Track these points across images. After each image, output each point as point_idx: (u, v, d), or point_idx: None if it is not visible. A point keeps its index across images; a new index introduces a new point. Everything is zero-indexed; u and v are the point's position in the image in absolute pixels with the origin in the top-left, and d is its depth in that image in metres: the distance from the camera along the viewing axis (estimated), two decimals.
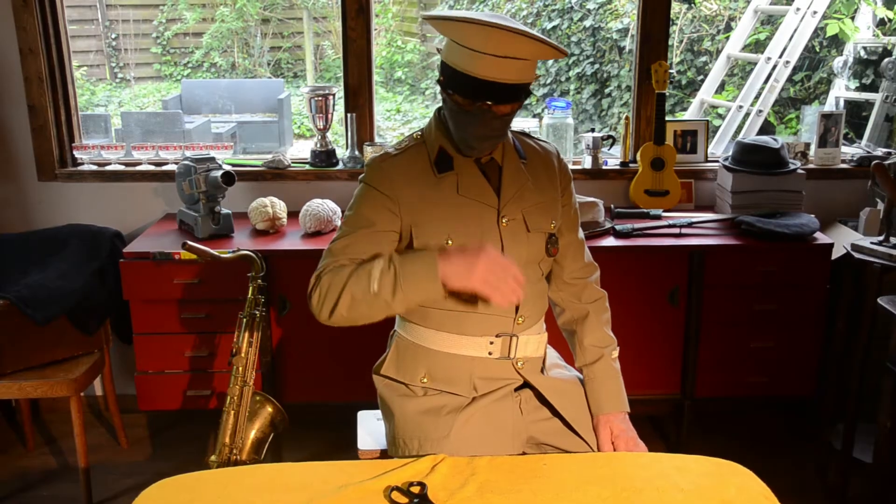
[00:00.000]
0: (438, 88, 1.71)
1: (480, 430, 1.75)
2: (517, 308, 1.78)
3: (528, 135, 1.89)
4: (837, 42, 5.31)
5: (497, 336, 1.78)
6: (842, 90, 4.83)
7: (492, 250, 1.61)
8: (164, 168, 3.12)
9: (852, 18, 4.75)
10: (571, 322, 1.93)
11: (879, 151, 3.27)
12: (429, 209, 1.73)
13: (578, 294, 1.91)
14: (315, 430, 3.08)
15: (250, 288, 2.25)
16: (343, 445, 2.94)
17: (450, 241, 1.71)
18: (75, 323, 2.69)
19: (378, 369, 1.90)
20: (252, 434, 2.31)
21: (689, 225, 2.85)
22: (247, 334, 2.23)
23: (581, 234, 1.94)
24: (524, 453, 1.80)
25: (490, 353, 1.78)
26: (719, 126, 4.41)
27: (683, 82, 6.28)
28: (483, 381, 1.79)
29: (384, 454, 1.96)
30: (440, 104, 1.77)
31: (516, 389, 1.82)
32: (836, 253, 2.76)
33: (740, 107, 4.30)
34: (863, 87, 4.80)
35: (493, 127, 1.67)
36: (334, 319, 1.69)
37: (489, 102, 1.62)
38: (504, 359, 1.79)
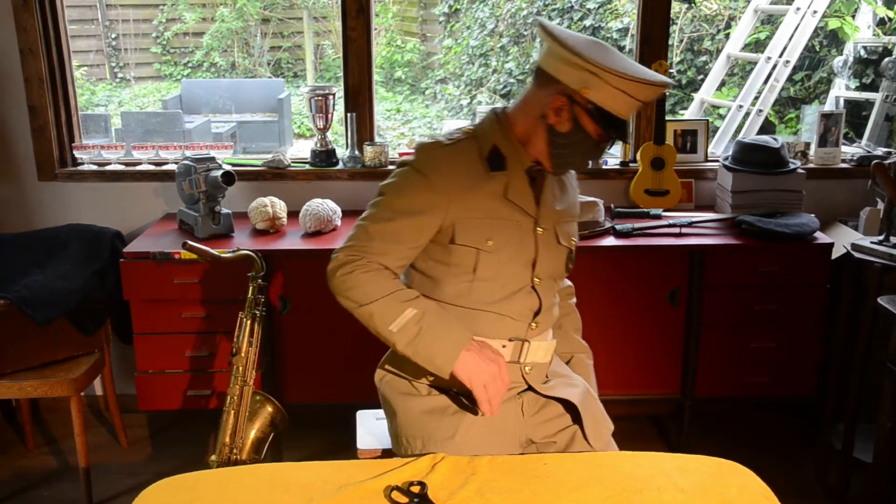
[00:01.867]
0: (551, 102, 1.65)
1: (484, 432, 1.75)
2: (535, 312, 1.78)
3: None
4: (837, 41, 5.31)
5: (510, 340, 1.78)
6: (842, 90, 4.83)
7: (504, 364, 1.65)
8: (165, 168, 3.12)
9: (852, 17, 4.75)
10: None
11: (879, 151, 3.27)
12: (474, 207, 1.70)
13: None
14: (315, 430, 3.08)
15: (250, 288, 2.25)
16: (343, 445, 2.94)
17: (490, 242, 1.70)
18: (75, 323, 2.69)
19: (384, 363, 1.89)
20: (252, 434, 2.31)
21: (690, 225, 2.85)
22: (247, 334, 2.23)
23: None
24: (522, 453, 1.80)
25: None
26: (719, 126, 4.42)
27: (683, 82, 6.28)
28: None
29: (384, 454, 1.96)
30: (497, 105, 1.78)
31: (519, 393, 1.82)
32: (837, 253, 2.76)
33: (740, 106, 4.30)
34: (863, 87, 4.80)
35: (599, 156, 1.77)
36: (342, 304, 1.70)
37: (618, 139, 1.69)
38: (513, 363, 1.78)
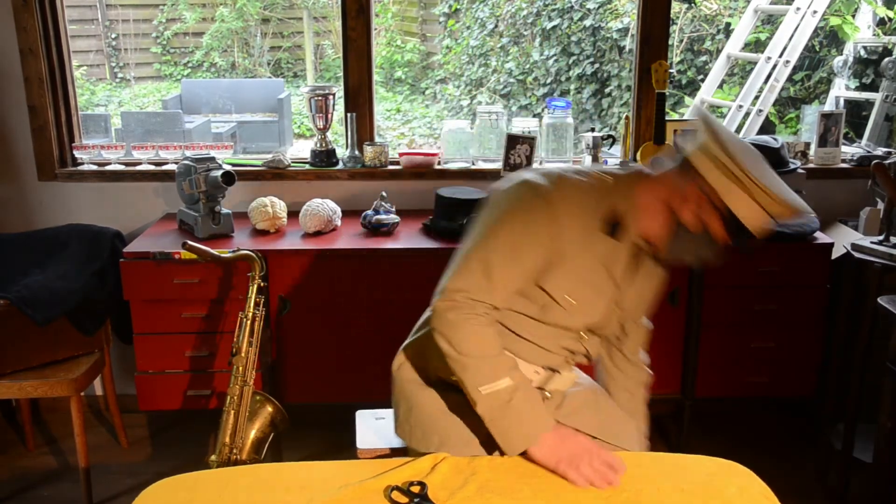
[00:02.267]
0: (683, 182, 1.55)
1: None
2: (576, 354, 1.77)
3: None
4: (837, 41, 5.31)
5: (544, 368, 1.77)
6: (842, 90, 4.83)
7: (597, 454, 1.57)
8: (164, 168, 3.12)
9: (852, 17, 4.75)
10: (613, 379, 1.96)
11: (879, 151, 3.27)
12: (576, 259, 1.62)
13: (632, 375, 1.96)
14: (315, 430, 3.08)
15: (250, 288, 2.25)
16: (343, 445, 2.93)
17: (570, 299, 1.65)
18: (75, 323, 2.69)
19: (407, 348, 1.84)
20: (252, 434, 2.31)
21: None
22: (247, 334, 2.23)
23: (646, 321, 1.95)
24: None
25: (531, 381, 1.75)
26: None
27: (683, 82, 6.28)
28: None
29: (384, 454, 1.96)
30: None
31: None
32: (837, 253, 2.76)
33: (740, 106, 4.30)
34: (863, 87, 4.80)
35: (719, 254, 1.63)
36: (438, 342, 1.63)
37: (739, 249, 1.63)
38: (539, 388, 1.77)
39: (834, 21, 4.71)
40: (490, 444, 1.69)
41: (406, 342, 1.87)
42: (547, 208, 1.58)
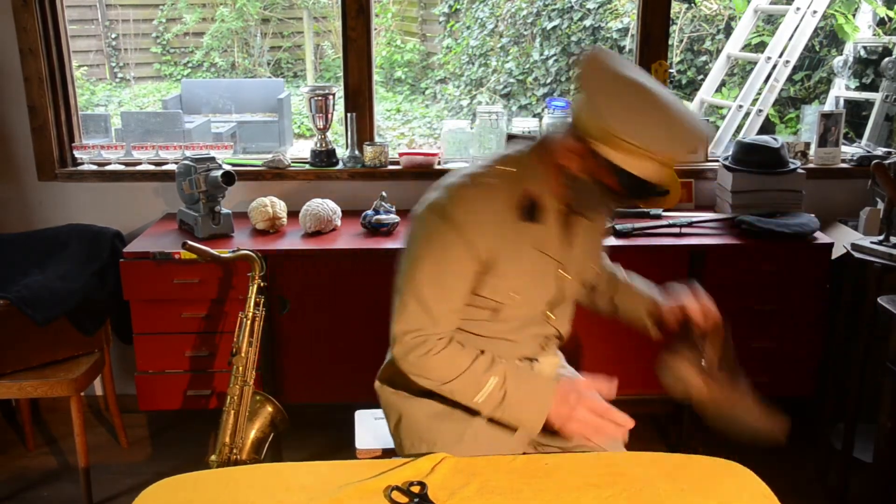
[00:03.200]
0: (581, 159, 1.53)
1: (492, 437, 1.74)
2: (546, 338, 1.78)
3: None
4: (837, 41, 5.31)
5: (520, 360, 1.78)
6: (842, 89, 4.83)
7: (588, 402, 1.59)
8: (164, 168, 3.12)
9: (853, 17, 4.75)
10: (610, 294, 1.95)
11: (879, 151, 3.27)
12: (506, 260, 1.62)
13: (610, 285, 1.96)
14: (315, 430, 3.08)
15: (250, 288, 2.25)
16: (343, 445, 2.93)
17: (515, 296, 1.66)
18: (75, 323, 2.69)
19: (383, 377, 1.87)
20: (252, 434, 2.31)
21: (690, 224, 2.85)
22: (247, 334, 2.23)
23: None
24: (525, 453, 1.80)
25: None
26: (719, 126, 4.41)
27: (683, 82, 6.28)
28: None
29: (384, 454, 1.96)
30: (542, 136, 1.66)
31: None
32: (836, 253, 2.76)
33: (740, 106, 4.30)
34: (863, 87, 4.80)
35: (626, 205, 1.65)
36: (419, 382, 1.68)
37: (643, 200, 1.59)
38: None
39: (839, 18, 4.70)
40: (478, 441, 1.71)
41: (384, 364, 1.89)
42: (454, 231, 1.58)
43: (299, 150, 6.71)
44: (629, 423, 1.60)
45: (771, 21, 5.22)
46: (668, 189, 1.53)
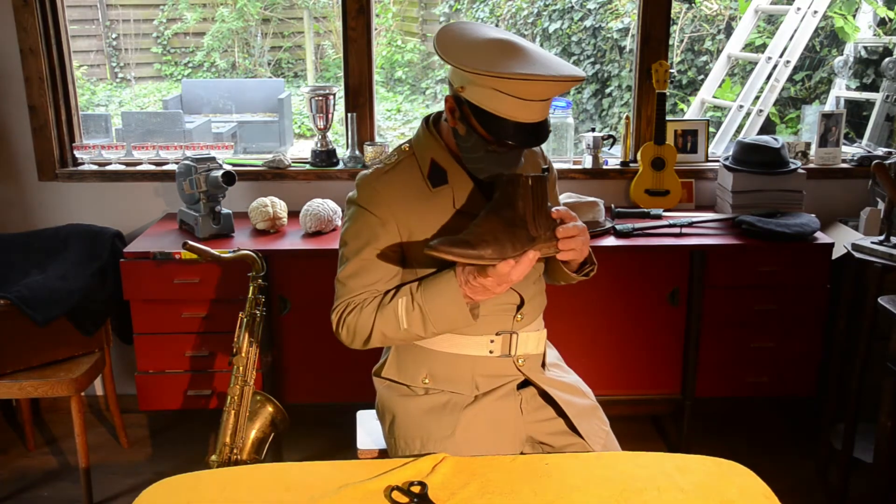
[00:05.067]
0: (446, 113, 1.65)
1: (483, 429, 1.75)
2: (518, 306, 1.78)
3: None
4: (838, 41, 5.31)
5: (497, 334, 1.78)
6: (842, 90, 4.83)
7: (504, 267, 1.54)
8: (165, 168, 3.12)
9: (853, 17, 4.75)
10: None
11: (880, 151, 3.27)
12: (425, 225, 1.69)
13: None
14: (315, 430, 3.08)
15: (251, 288, 2.25)
16: (343, 445, 2.94)
17: None
18: (75, 323, 2.69)
19: (378, 371, 1.90)
20: (252, 434, 2.31)
21: (690, 225, 2.85)
22: (247, 334, 2.23)
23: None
24: (522, 453, 1.80)
25: (491, 352, 1.78)
26: (719, 126, 4.42)
27: (684, 82, 6.29)
28: (485, 378, 1.79)
29: (383, 454, 1.96)
30: (429, 114, 1.77)
31: (518, 388, 1.82)
32: (837, 253, 2.76)
33: (741, 106, 4.30)
34: (863, 87, 4.80)
35: (515, 160, 1.65)
36: (368, 347, 1.73)
37: (526, 145, 1.60)
38: (505, 356, 1.79)
39: (838, 21, 4.70)
40: (469, 435, 1.72)
41: (375, 367, 1.91)
42: (364, 211, 1.70)
43: (300, 150, 6.72)
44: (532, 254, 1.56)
45: (771, 21, 5.22)
46: (524, 123, 1.57)
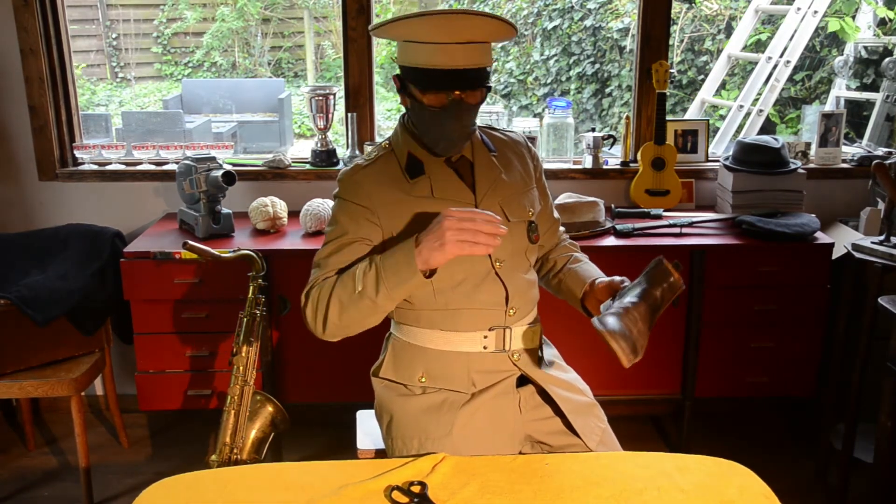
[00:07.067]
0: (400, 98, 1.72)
1: (481, 427, 1.75)
2: (507, 300, 1.78)
3: (493, 128, 1.91)
4: (838, 41, 5.31)
5: (490, 329, 1.78)
6: (842, 90, 4.83)
7: (451, 210, 1.57)
8: (165, 168, 3.12)
9: (853, 17, 4.75)
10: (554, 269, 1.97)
11: (880, 151, 3.27)
12: (405, 215, 1.72)
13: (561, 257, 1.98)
14: (315, 430, 3.08)
15: (251, 288, 2.25)
16: (343, 445, 2.94)
17: None
18: (75, 323, 2.69)
19: (376, 371, 1.90)
20: (252, 434, 2.31)
21: (690, 225, 2.85)
22: (247, 334, 2.23)
23: (555, 212, 1.99)
24: (521, 452, 1.80)
25: (485, 347, 1.79)
26: (720, 126, 4.42)
27: (684, 82, 6.29)
28: (481, 375, 1.79)
29: (382, 454, 1.96)
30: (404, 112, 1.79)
31: (517, 386, 1.82)
32: (837, 253, 2.76)
33: (741, 106, 4.30)
34: (863, 87, 4.80)
35: (465, 120, 1.69)
36: (328, 331, 1.70)
37: (458, 91, 1.64)
38: (499, 352, 1.79)
39: (832, 25, 4.71)
40: (466, 435, 1.72)
41: (374, 367, 1.91)
42: (344, 202, 1.74)
43: (300, 150, 6.71)
44: (497, 221, 1.56)
45: (771, 21, 5.22)
46: (445, 69, 1.62)
